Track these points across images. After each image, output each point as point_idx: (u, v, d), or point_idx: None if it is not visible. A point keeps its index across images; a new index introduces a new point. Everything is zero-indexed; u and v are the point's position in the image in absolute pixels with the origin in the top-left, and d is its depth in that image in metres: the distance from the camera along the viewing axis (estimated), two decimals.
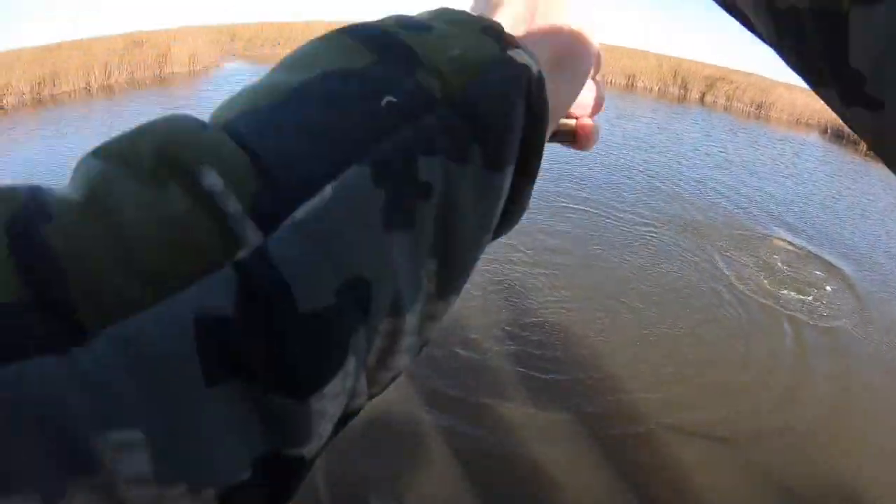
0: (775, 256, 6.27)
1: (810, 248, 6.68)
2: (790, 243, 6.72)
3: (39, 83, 11.97)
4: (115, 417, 0.17)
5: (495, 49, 0.27)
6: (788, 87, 20.29)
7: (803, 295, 5.57)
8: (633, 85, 19.70)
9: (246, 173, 0.21)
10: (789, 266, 6.10)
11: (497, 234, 0.31)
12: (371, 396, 0.26)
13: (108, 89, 12.97)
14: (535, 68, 0.28)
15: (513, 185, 0.29)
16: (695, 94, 19.28)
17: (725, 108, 18.29)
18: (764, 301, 5.32)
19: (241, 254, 0.20)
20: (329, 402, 0.22)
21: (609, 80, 19.97)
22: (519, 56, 0.27)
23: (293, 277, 0.20)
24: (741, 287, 5.49)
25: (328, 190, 0.21)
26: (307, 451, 0.22)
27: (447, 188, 0.25)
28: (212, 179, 0.20)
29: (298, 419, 0.21)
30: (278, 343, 0.20)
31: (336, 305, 0.21)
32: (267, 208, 0.20)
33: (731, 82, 19.37)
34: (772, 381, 4.15)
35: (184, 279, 0.19)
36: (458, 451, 3.02)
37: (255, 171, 0.21)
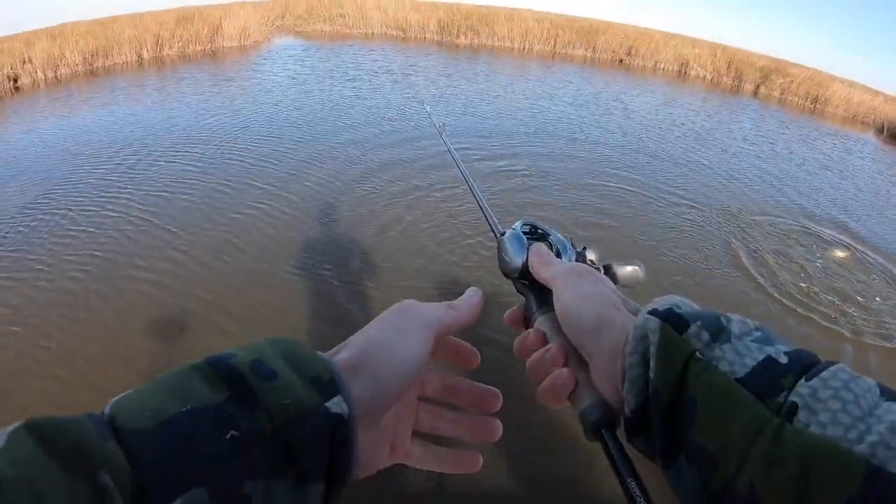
0: (821, 260, 5.81)
1: (867, 251, 6.20)
2: (844, 246, 6.16)
3: (93, 54, 12.23)
4: None
5: (316, 402, 0.39)
6: (845, 82, 19.69)
7: (862, 310, 4.91)
8: (685, 73, 19.30)
9: (128, 479, 0.32)
10: (841, 274, 5.59)
11: None
12: None
13: (159, 62, 13.16)
14: (344, 414, 0.40)
15: (329, 485, 0.41)
16: (749, 86, 18.79)
17: (780, 101, 17.74)
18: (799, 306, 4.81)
19: None
20: None
21: (661, 67, 19.62)
22: (333, 406, 0.40)
23: None
24: (790, 301, 4.90)
25: (178, 502, 0.32)
26: None
27: (265, 497, 0.36)
28: (106, 479, 0.31)
29: None
30: None
31: None
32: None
33: (787, 75, 18.79)
34: None
35: None
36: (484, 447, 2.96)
37: (135, 479, 0.32)
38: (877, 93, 19.27)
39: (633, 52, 19.75)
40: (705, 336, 0.43)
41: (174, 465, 0.33)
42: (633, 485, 0.43)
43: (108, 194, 5.51)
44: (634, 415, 0.45)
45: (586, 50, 20.03)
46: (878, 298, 5.15)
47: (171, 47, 13.85)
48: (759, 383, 0.39)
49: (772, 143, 10.99)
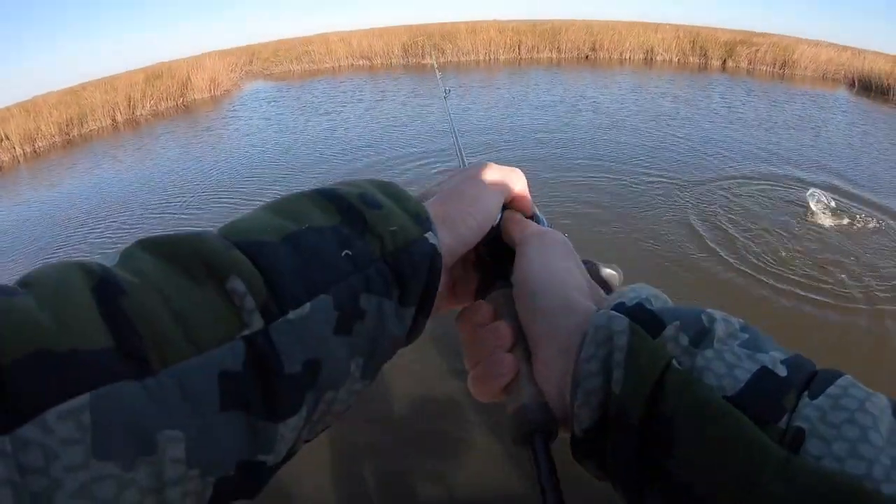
0: (803, 224, 5.59)
1: (851, 205, 6.06)
2: (828, 206, 5.85)
3: (68, 124, 12.32)
4: (169, 421, 0.27)
5: (418, 232, 0.41)
6: (811, 42, 19.81)
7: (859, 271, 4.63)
8: (651, 59, 19.43)
9: (260, 284, 0.33)
10: (827, 236, 5.34)
11: (408, 341, 0.44)
12: (306, 441, 0.38)
13: (134, 123, 13.25)
14: (438, 247, 0.42)
15: (417, 312, 0.42)
16: (715, 62, 18.94)
17: (748, 72, 17.82)
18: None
19: (248, 332, 0.31)
20: (287, 431, 0.33)
21: (627, 57, 19.77)
22: (431, 237, 0.42)
23: (282, 353, 0.32)
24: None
25: (307, 306, 0.34)
26: (269, 459, 0.33)
27: (377, 313, 0.38)
28: (236, 284, 0.32)
29: (269, 436, 0.32)
30: (269, 389, 0.32)
31: (301, 373, 0.33)
32: (270, 309, 0.32)
33: (752, 45, 18.92)
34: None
35: (212, 344, 0.30)
36: (498, 439, 2.97)
37: (266, 284, 0.33)
38: (844, 48, 19.35)
39: (597, 47, 19.94)
40: (684, 340, 0.35)
41: (303, 272, 0.35)
42: None
43: (106, 253, 5.53)
44: (587, 434, 0.37)
45: (551, 51, 20.22)
46: (867, 255, 4.95)
47: (143, 107, 13.96)
48: (757, 404, 0.32)
49: (741, 113, 11.05)
